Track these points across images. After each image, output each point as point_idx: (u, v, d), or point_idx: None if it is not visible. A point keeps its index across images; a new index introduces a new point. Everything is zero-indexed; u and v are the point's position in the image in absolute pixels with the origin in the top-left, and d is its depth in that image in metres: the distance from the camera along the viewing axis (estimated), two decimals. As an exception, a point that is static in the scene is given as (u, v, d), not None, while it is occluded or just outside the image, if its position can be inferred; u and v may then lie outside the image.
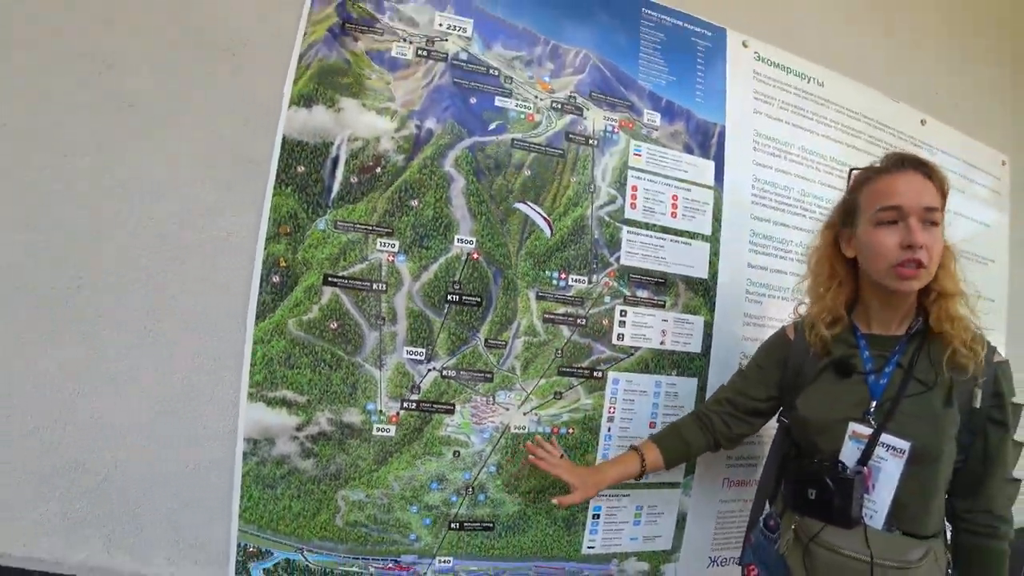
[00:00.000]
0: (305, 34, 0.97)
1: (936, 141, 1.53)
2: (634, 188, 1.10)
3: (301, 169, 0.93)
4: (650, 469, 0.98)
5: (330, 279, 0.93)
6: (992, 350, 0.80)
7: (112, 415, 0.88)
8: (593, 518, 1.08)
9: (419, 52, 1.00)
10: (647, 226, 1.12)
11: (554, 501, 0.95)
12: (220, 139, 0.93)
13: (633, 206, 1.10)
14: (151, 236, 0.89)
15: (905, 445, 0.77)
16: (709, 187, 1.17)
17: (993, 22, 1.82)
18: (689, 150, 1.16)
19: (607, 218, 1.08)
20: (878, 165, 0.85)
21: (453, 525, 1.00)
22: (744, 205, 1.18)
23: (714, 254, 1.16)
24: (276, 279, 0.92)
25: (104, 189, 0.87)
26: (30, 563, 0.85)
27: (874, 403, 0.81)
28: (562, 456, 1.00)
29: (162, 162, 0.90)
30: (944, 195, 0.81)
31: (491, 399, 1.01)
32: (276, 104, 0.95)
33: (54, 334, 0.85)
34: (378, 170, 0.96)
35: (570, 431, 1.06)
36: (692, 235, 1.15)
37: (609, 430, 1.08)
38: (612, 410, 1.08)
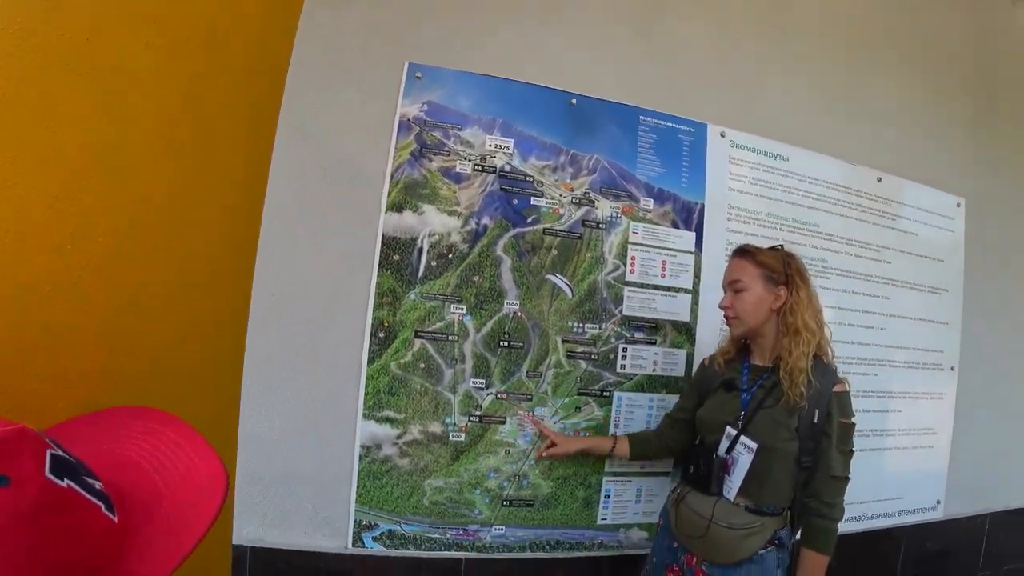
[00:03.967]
0: (394, 158, 1.35)
1: (891, 194, 1.83)
2: (633, 258, 1.48)
3: (396, 257, 1.33)
4: (617, 454, 1.36)
5: (419, 334, 1.33)
6: (833, 382, 1.12)
7: (270, 434, 1.24)
8: (605, 498, 1.47)
9: (475, 167, 1.38)
10: (642, 285, 1.49)
11: (540, 453, 1.36)
12: (342, 238, 1.31)
13: (632, 271, 1.48)
14: (301, 307, 1.28)
15: (754, 445, 1.10)
16: (691, 252, 1.53)
17: (956, 77, 2.07)
18: (676, 225, 1.52)
19: (613, 281, 1.47)
20: None
21: (505, 503, 1.38)
22: (719, 264, 1.49)
23: (694, 303, 1.52)
24: (381, 335, 1.31)
25: (266, 277, 1.24)
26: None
27: (742, 412, 1.15)
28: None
29: (308, 259, 1.29)
30: (764, 265, 1.16)
31: (531, 413, 1.41)
32: (376, 211, 1.33)
33: (250, 367, 1.19)
34: (450, 256, 1.35)
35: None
36: (677, 290, 1.52)
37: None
38: (618, 419, 1.47)
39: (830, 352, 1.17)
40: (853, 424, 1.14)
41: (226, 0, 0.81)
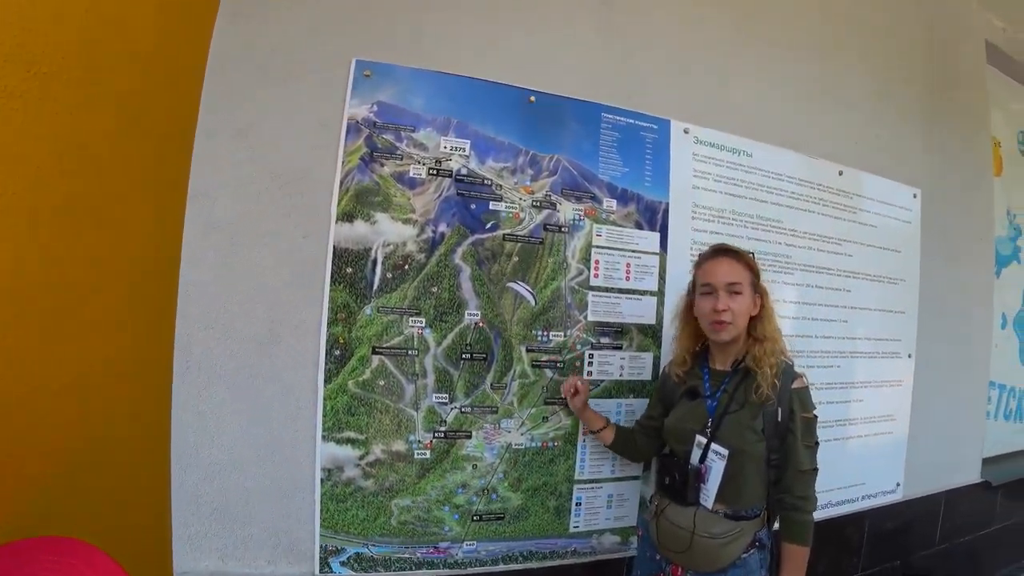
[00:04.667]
0: (343, 163, 1.27)
1: (852, 187, 1.85)
2: (596, 261, 1.44)
3: (349, 270, 1.25)
4: (602, 437, 1.36)
5: (377, 350, 1.27)
6: (792, 379, 1.13)
7: (223, 457, 1.18)
8: (576, 506, 1.45)
9: (430, 171, 1.31)
10: (607, 290, 1.45)
11: (570, 400, 1.36)
12: (291, 250, 1.22)
13: (596, 275, 1.44)
14: (248, 324, 1.19)
15: (725, 451, 1.10)
16: (655, 253, 1.50)
17: (911, 70, 2.10)
18: (640, 226, 1.49)
19: (577, 287, 1.43)
20: (707, 253, 1.22)
21: (475, 518, 1.35)
22: (684, 264, 1.48)
23: (660, 305, 1.50)
24: (337, 353, 1.24)
25: (209, 293, 1.17)
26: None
27: (710, 419, 1.15)
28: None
29: (250, 271, 1.20)
30: (752, 269, 1.16)
31: (497, 426, 1.37)
32: (326, 220, 1.24)
33: (184, 402, 1.15)
34: (406, 267, 1.29)
35: (555, 444, 1.43)
36: (642, 292, 1.49)
37: (584, 442, 1.44)
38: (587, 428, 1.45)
39: (786, 350, 1.18)
40: (815, 417, 1.15)
41: (106, 15, 0.71)
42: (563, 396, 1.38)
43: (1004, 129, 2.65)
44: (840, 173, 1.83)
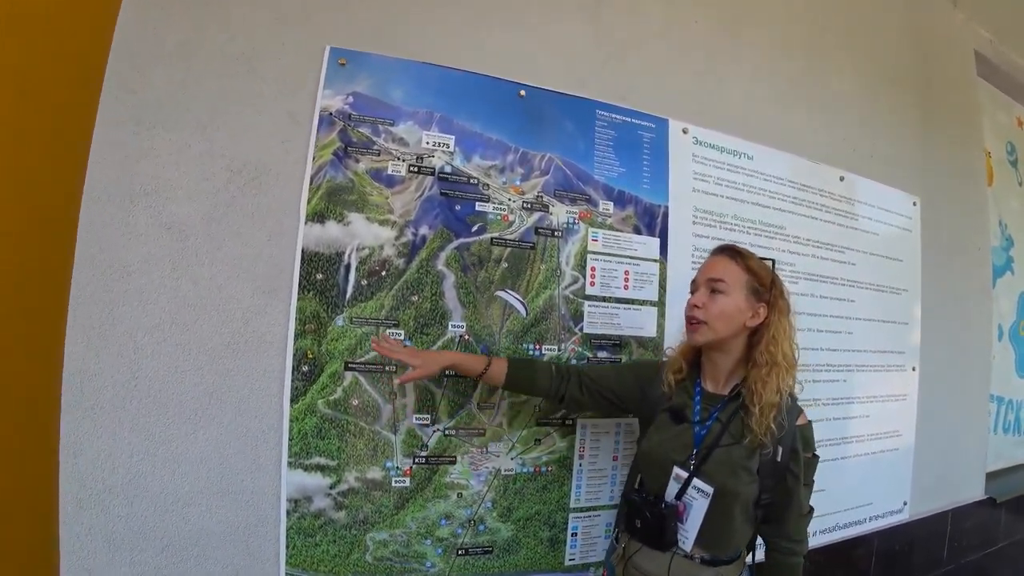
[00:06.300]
0: (314, 159, 1.15)
1: (853, 193, 1.79)
2: (592, 269, 1.33)
3: (320, 276, 1.13)
4: (489, 378, 1.10)
5: (350, 365, 1.14)
6: (796, 415, 1.00)
7: (175, 486, 1.05)
8: (572, 536, 1.33)
9: (411, 168, 1.20)
10: (604, 299, 1.34)
11: (396, 381, 1.11)
12: (254, 254, 1.10)
13: (592, 283, 1.33)
14: (204, 336, 1.06)
15: (710, 489, 0.95)
16: (655, 260, 1.40)
17: (905, 76, 2.07)
18: (638, 231, 1.39)
19: (571, 296, 1.32)
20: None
21: (460, 552, 1.22)
22: (685, 272, 1.40)
23: (661, 315, 1.40)
24: (305, 368, 1.12)
25: (160, 301, 1.04)
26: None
27: (695, 451, 0.99)
28: (404, 347, 1.13)
29: (206, 275, 1.08)
30: (753, 273, 1.01)
31: (484, 449, 1.24)
32: (294, 221, 1.13)
33: (123, 421, 1.01)
34: (383, 273, 1.17)
35: (549, 469, 1.30)
36: (642, 302, 1.39)
37: (580, 466, 1.32)
38: (582, 450, 1.32)
39: (793, 384, 1.03)
40: (817, 457, 1.04)
41: None
42: (399, 382, 1.11)
43: (994, 140, 2.64)
44: (841, 179, 1.76)
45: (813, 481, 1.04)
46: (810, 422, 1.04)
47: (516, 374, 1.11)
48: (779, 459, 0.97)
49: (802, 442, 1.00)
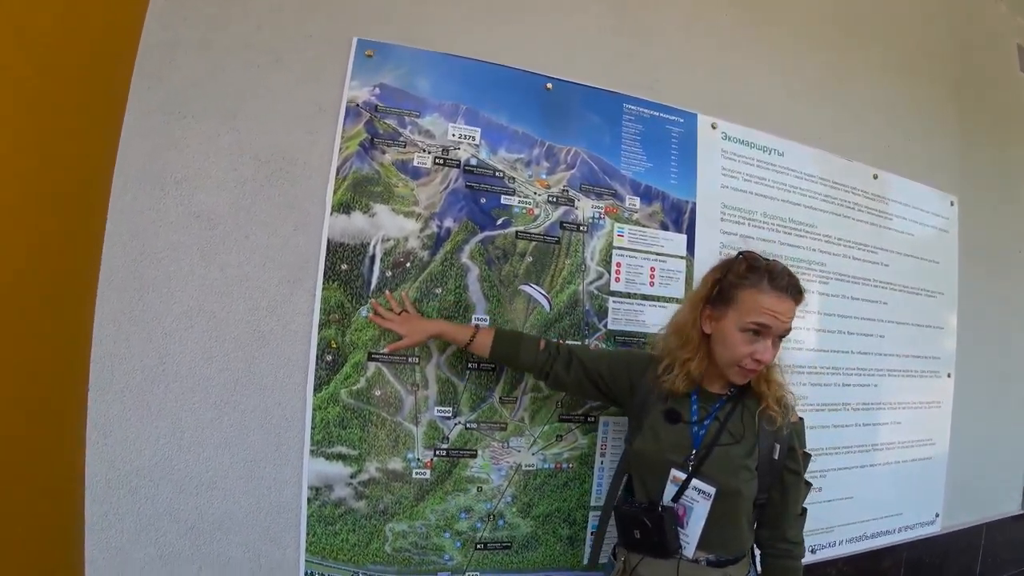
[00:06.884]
0: (340, 149, 1.16)
1: (887, 192, 1.73)
2: (618, 264, 1.31)
3: (345, 267, 1.14)
4: (475, 348, 1.08)
5: (373, 356, 1.14)
6: (789, 411, 0.99)
7: (200, 471, 1.07)
8: (591, 535, 1.31)
9: (436, 161, 1.20)
10: (629, 296, 1.32)
11: (384, 350, 1.12)
12: (280, 243, 1.11)
13: (617, 279, 1.31)
14: (230, 324, 1.08)
15: (711, 489, 0.93)
16: (682, 257, 1.38)
17: (943, 71, 2.00)
18: (665, 227, 1.36)
19: (596, 292, 1.30)
20: (769, 273, 0.94)
21: (479, 546, 1.21)
22: None
23: (687, 313, 1.38)
24: (329, 358, 1.12)
25: (188, 288, 1.06)
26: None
27: (694, 450, 0.96)
28: (401, 312, 1.11)
29: (233, 263, 1.09)
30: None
31: (506, 444, 1.23)
32: (320, 211, 1.14)
33: (150, 404, 1.03)
34: (408, 264, 1.17)
35: (570, 466, 1.29)
36: (668, 299, 1.36)
37: (601, 464, 1.31)
38: (604, 447, 1.30)
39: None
40: (809, 455, 1.03)
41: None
42: (372, 315, 1.11)
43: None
44: (875, 177, 1.70)
45: (810, 482, 1.04)
46: (801, 419, 1.03)
47: (500, 347, 1.08)
48: (776, 456, 0.97)
49: (798, 439, 1.01)
